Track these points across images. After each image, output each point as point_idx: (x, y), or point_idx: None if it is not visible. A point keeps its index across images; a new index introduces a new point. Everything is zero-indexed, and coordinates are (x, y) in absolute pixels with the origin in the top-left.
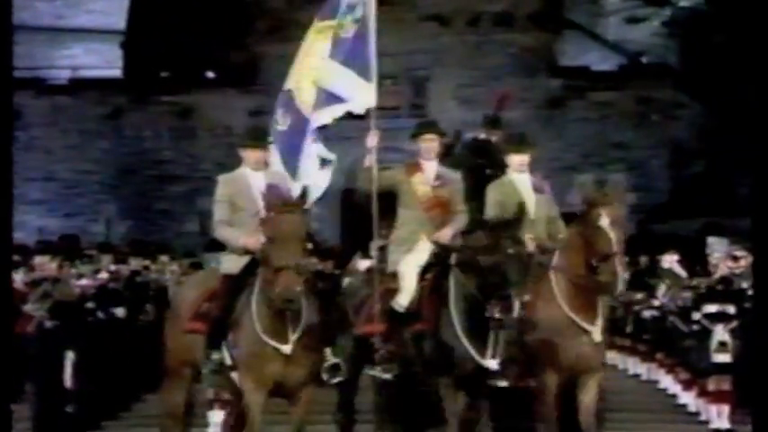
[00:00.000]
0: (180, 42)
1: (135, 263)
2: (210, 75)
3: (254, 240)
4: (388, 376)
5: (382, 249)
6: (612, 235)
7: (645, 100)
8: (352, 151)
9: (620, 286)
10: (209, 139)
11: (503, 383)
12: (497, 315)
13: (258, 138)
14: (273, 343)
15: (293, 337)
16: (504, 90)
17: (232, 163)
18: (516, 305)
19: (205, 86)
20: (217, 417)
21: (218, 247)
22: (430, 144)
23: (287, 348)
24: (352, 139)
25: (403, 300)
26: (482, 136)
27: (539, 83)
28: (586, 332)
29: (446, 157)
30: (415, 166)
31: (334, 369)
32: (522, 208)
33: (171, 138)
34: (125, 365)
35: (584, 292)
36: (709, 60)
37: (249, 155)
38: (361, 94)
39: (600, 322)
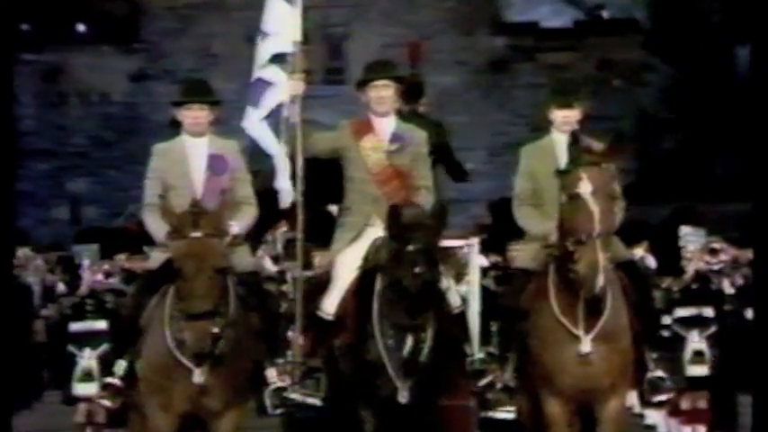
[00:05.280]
0: None
1: None
2: (82, 29)
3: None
4: (314, 401)
5: (291, 243)
6: (594, 208)
7: (606, 62)
8: None
9: (600, 281)
10: (81, 106)
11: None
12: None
13: (195, 93)
14: (185, 361)
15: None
16: (414, 40)
17: (109, 137)
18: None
19: (76, 43)
20: None
21: (92, 237)
22: (383, 93)
23: (199, 375)
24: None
25: (329, 306)
26: (404, 108)
27: (479, 42)
28: (578, 340)
29: None
30: (364, 126)
31: (281, 395)
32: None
33: (35, 104)
34: None
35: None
36: (684, 15)
37: (185, 115)
38: (286, 26)
39: (599, 327)
